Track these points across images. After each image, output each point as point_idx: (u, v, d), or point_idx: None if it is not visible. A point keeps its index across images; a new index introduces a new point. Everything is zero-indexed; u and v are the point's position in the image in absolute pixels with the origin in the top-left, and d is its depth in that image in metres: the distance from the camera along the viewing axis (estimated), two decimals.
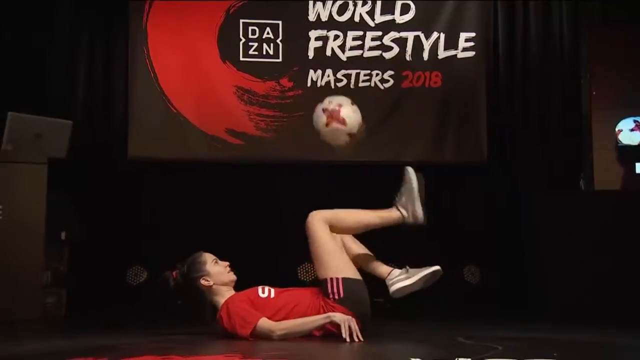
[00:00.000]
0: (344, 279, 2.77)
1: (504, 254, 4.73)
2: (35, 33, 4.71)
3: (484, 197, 4.91)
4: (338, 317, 2.61)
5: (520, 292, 4.38)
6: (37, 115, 3.89)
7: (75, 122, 4.11)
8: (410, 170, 3.03)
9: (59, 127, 3.91)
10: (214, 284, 2.83)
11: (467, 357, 2.10)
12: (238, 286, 2.91)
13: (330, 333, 2.65)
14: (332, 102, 2.96)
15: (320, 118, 2.96)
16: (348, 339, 2.53)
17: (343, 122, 2.92)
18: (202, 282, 2.82)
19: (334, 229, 2.91)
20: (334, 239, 2.90)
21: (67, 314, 3.85)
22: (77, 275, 4.11)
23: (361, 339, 2.56)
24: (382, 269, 2.96)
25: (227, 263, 2.92)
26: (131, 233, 4.69)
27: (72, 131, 3.98)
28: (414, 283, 2.85)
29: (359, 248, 3.03)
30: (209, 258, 2.89)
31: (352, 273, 2.84)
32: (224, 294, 2.83)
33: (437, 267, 2.91)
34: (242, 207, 4.71)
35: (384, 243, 4.79)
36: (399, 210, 2.96)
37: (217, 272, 2.85)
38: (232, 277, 2.88)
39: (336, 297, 2.73)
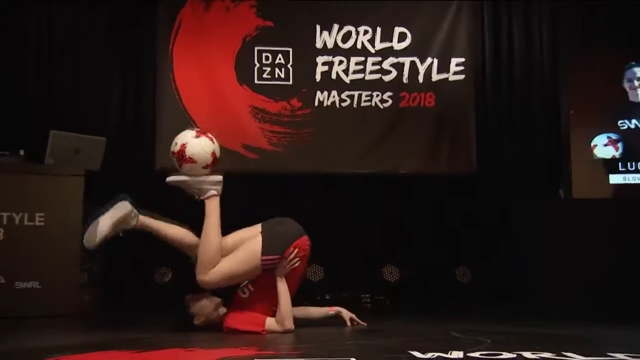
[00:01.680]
0: (263, 251, 2.76)
1: (493, 256, 4.72)
2: (78, 61, 4.77)
3: (474, 205, 4.90)
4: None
5: (507, 290, 4.36)
6: (75, 132, 3.91)
7: (109, 138, 4.12)
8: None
9: (94, 143, 3.92)
10: (204, 318, 2.81)
11: (460, 350, 2.11)
12: None
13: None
14: (177, 144, 2.74)
15: (174, 162, 2.78)
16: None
17: (191, 160, 2.72)
18: (196, 322, 2.82)
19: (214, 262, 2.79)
20: (223, 261, 2.78)
21: (101, 310, 3.86)
22: (110, 276, 4.12)
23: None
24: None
25: (205, 293, 2.87)
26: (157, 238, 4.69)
27: (106, 146, 3.99)
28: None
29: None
30: (188, 302, 2.86)
31: (256, 243, 2.79)
32: (219, 316, 2.83)
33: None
34: (256, 213, 4.70)
35: (382, 247, 4.84)
36: (211, 195, 2.83)
37: (200, 308, 2.83)
38: (216, 302, 2.86)
39: (276, 261, 2.78)
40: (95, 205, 3.81)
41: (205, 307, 2.83)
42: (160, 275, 4.68)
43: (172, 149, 2.76)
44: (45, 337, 2.75)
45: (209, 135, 2.77)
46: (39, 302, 3.42)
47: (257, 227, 2.93)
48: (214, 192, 2.80)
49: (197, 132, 2.76)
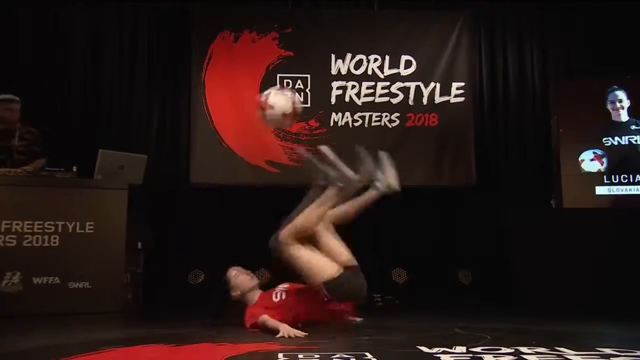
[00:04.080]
0: (323, 283, 2.59)
1: (492, 260, 4.67)
2: (122, 90, 4.87)
3: (474, 213, 4.87)
4: (281, 332, 2.46)
5: (505, 291, 4.31)
6: (120, 150, 3.95)
7: (149, 156, 4.14)
8: (322, 147, 2.74)
9: (137, 160, 3.95)
10: (240, 292, 2.80)
11: (463, 345, 2.09)
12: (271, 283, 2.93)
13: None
14: (262, 95, 2.70)
15: (258, 111, 2.71)
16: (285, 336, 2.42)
17: (271, 106, 2.65)
18: (232, 294, 2.80)
19: (303, 232, 2.68)
20: (303, 250, 2.64)
21: (142, 307, 3.88)
22: (150, 277, 4.15)
23: (298, 335, 2.42)
24: (368, 195, 2.81)
25: (248, 272, 2.86)
26: (191, 243, 4.72)
27: (146, 163, 4.00)
28: (388, 175, 2.79)
29: (346, 208, 2.81)
30: (231, 273, 2.84)
31: (329, 272, 2.60)
32: (252, 299, 2.80)
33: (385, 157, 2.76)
34: (277, 221, 4.70)
35: (392, 252, 4.82)
36: (334, 184, 2.70)
37: (239, 283, 2.81)
38: (254, 283, 2.84)
39: (326, 298, 2.64)
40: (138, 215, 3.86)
41: (244, 283, 2.82)
42: (194, 276, 4.71)
43: (260, 100, 2.68)
44: (93, 331, 2.77)
45: (292, 91, 2.74)
46: (89, 300, 3.45)
47: (347, 255, 2.72)
48: (341, 184, 2.69)
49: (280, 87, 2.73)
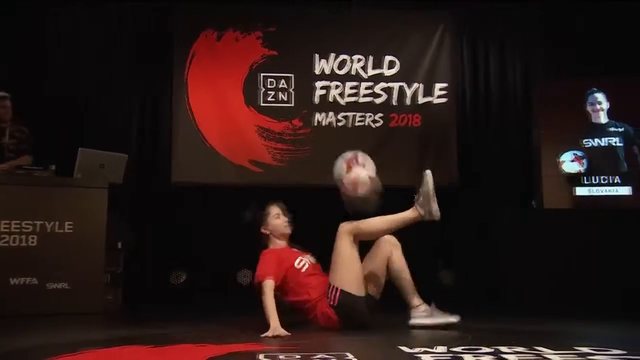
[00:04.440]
0: (342, 291, 2.60)
1: (476, 260, 4.71)
2: (102, 88, 4.81)
3: (459, 214, 4.89)
4: (271, 329, 2.45)
5: (488, 290, 4.35)
6: (100, 149, 3.91)
7: (130, 155, 4.12)
8: (427, 174, 2.69)
9: (117, 159, 3.91)
10: (270, 233, 2.83)
11: (444, 345, 2.11)
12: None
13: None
14: (350, 175, 2.70)
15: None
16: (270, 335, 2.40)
17: (354, 189, 2.67)
18: (262, 229, 2.84)
19: (362, 236, 2.68)
20: (352, 252, 2.64)
21: (122, 309, 3.84)
22: (130, 277, 4.11)
23: (281, 335, 2.41)
24: (412, 299, 2.74)
25: (286, 219, 2.88)
26: (173, 243, 4.69)
27: (127, 162, 3.97)
28: (431, 324, 2.65)
29: (400, 266, 2.78)
30: (273, 211, 2.87)
31: (354, 288, 2.61)
32: (276, 244, 2.83)
33: (455, 319, 2.63)
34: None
35: None
36: (417, 209, 2.67)
37: (274, 225, 2.85)
38: (287, 231, 2.86)
39: (331, 303, 2.63)
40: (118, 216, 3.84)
41: (280, 227, 2.84)
42: (175, 277, 4.68)
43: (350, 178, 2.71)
44: (72, 333, 2.73)
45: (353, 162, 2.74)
46: (67, 301, 3.41)
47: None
48: (420, 212, 2.66)
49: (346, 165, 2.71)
